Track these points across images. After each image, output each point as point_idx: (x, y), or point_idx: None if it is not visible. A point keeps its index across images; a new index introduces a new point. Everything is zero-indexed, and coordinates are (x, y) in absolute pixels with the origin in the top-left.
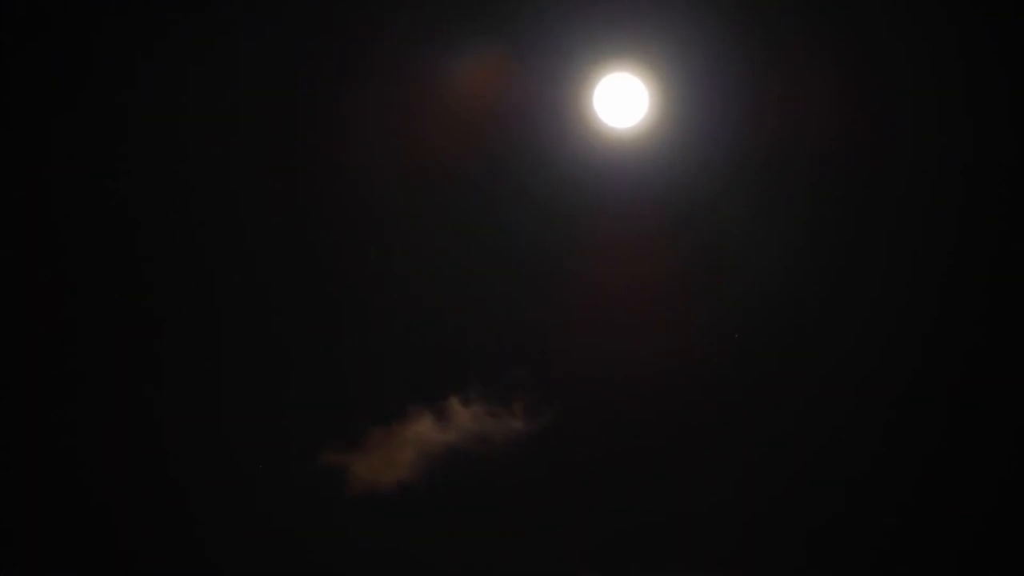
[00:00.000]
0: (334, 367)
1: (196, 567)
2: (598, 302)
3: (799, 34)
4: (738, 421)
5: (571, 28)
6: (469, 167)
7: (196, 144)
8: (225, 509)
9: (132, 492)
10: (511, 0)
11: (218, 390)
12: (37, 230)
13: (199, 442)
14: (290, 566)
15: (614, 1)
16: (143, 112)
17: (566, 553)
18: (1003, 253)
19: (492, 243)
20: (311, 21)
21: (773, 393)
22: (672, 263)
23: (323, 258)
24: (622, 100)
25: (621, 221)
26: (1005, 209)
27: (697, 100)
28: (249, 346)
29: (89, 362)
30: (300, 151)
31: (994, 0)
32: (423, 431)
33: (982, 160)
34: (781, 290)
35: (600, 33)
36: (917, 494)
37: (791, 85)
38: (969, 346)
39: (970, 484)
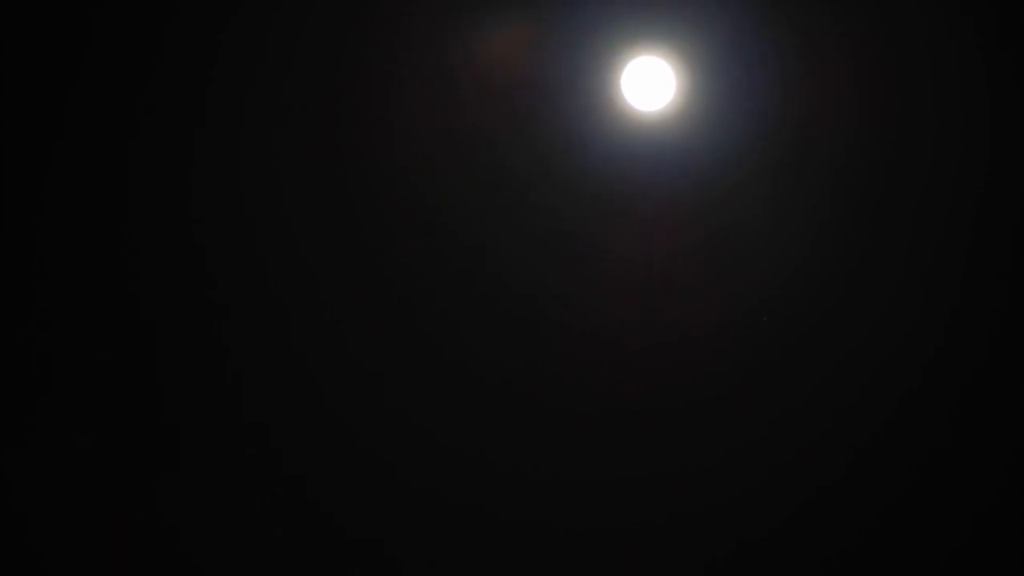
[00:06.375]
0: None
1: None
2: (618, 279)
3: (831, 22)
4: (752, 403)
5: (599, 11)
6: (495, 145)
7: (208, 139)
8: None
9: None
10: None
11: None
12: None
13: None
14: None
15: None
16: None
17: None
18: None
19: (515, 220)
20: None
21: (792, 379)
22: (696, 248)
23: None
24: (650, 84)
25: (648, 203)
26: None
27: (725, 87)
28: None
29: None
30: (320, 123)
31: None
32: None
33: (1012, 154)
34: (804, 274)
35: (628, 17)
36: (921, 491)
37: (821, 74)
38: (993, 339)
39: (976, 482)
